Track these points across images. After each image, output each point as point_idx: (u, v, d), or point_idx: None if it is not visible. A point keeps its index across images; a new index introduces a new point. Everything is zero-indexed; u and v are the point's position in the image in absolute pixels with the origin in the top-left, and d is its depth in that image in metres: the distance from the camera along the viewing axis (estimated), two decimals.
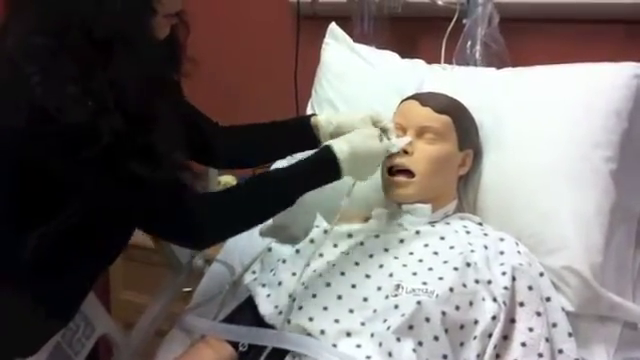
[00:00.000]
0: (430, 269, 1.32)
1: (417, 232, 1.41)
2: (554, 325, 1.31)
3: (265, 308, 1.39)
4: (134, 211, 1.20)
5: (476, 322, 1.26)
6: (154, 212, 1.20)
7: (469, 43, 1.80)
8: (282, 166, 1.42)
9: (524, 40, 1.85)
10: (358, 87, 1.73)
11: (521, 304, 1.30)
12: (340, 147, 1.30)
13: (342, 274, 1.37)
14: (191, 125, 1.41)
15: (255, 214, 1.31)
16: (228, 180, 2.14)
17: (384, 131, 1.42)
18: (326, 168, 1.30)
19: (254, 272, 1.57)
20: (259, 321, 1.38)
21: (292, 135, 1.52)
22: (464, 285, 1.28)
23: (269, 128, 1.54)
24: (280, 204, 1.32)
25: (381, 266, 1.36)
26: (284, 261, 1.46)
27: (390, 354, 1.21)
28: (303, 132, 1.49)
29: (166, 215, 1.20)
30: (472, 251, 1.34)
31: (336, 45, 1.82)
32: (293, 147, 1.57)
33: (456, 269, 1.30)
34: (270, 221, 1.56)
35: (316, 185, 1.32)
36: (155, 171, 1.14)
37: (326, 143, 1.32)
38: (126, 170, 1.12)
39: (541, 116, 1.49)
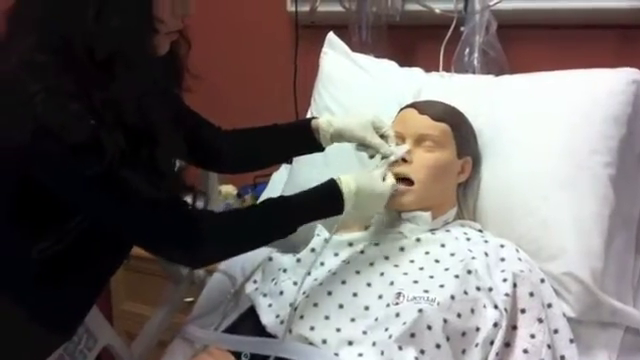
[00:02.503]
0: (431, 277, 1.33)
1: (417, 240, 1.41)
2: (556, 331, 1.31)
3: (267, 318, 1.39)
4: (133, 228, 1.21)
5: (478, 329, 1.26)
6: (152, 229, 1.20)
7: (467, 50, 1.80)
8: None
9: (522, 47, 1.86)
10: (356, 96, 1.73)
11: (522, 311, 1.30)
12: (348, 186, 1.30)
13: (343, 283, 1.37)
14: (193, 131, 1.42)
15: (255, 239, 1.32)
16: (229, 190, 2.14)
17: (384, 137, 1.43)
18: (331, 206, 1.31)
19: (255, 282, 1.57)
20: (261, 331, 1.38)
21: (293, 138, 1.53)
22: (465, 292, 1.28)
23: (271, 131, 1.54)
24: (282, 233, 1.33)
25: (382, 274, 1.36)
26: (285, 270, 1.46)
27: None
28: (304, 135, 1.49)
29: (166, 232, 1.21)
30: (473, 258, 1.34)
31: (334, 54, 1.83)
32: (294, 150, 1.58)
33: (457, 276, 1.30)
34: None
35: (318, 219, 1.36)
36: (157, 189, 1.14)
37: (335, 178, 1.31)
38: (127, 187, 1.12)
39: (540, 122, 1.49)
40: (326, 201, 1.31)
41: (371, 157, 1.44)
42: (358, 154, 1.49)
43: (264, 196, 1.90)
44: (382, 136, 1.43)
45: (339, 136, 1.45)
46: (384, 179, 1.36)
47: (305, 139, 1.49)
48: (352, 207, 1.30)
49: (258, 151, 1.56)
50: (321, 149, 1.49)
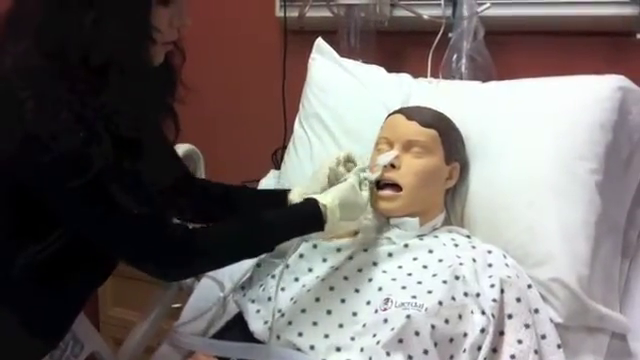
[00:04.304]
0: (419, 283, 1.33)
1: (405, 245, 1.41)
2: (543, 337, 1.31)
3: (255, 324, 1.39)
4: (113, 243, 1.21)
5: (465, 335, 1.26)
6: (132, 243, 1.20)
7: (455, 57, 1.81)
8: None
9: (509, 53, 1.86)
10: (345, 101, 1.74)
11: (510, 316, 1.30)
12: (333, 211, 1.30)
13: (331, 289, 1.37)
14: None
15: (236, 256, 1.32)
16: None
17: (349, 161, 1.45)
18: (312, 227, 1.32)
19: (243, 288, 1.57)
20: (249, 337, 1.38)
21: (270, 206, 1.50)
22: (453, 298, 1.28)
23: (244, 195, 1.56)
24: (261, 251, 1.36)
25: (370, 280, 1.36)
26: (273, 276, 1.46)
27: None
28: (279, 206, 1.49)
29: (143, 247, 1.20)
30: (460, 264, 1.35)
31: (323, 60, 1.83)
32: None
33: (445, 282, 1.30)
34: None
35: (297, 237, 1.36)
36: (139, 204, 1.14)
37: (319, 201, 1.31)
38: (111, 200, 1.12)
39: (527, 129, 1.50)
40: (307, 223, 1.32)
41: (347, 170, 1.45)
42: None
43: None
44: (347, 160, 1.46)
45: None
46: (360, 188, 1.37)
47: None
48: (333, 224, 1.31)
49: (230, 209, 1.54)
50: None
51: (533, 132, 1.49)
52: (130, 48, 1.14)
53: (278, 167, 1.81)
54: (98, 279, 1.38)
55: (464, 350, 1.24)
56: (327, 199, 1.31)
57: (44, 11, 1.13)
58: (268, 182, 1.86)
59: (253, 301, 1.45)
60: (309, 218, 1.31)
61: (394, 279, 1.35)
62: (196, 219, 1.50)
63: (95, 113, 1.10)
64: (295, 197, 1.47)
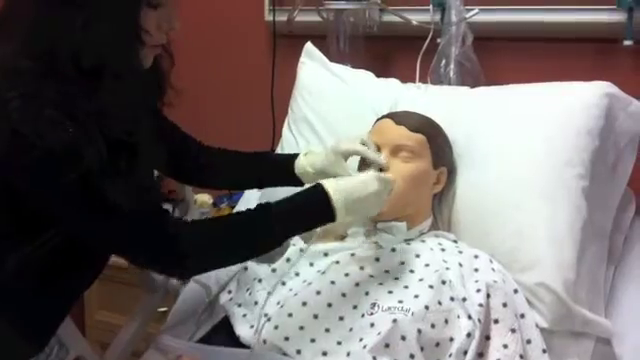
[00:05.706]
0: (406, 287, 1.33)
1: (393, 250, 1.41)
2: (528, 342, 1.32)
3: (241, 328, 1.39)
4: (116, 241, 1.19)
5: (451, 339, 1.26)
6: (137, 242, 1.19)
7: (443, 62, 1.82)
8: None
9: (497, 59, 1.87)
10: (334, 106, 1.74)
11: (496, 321, 1.30)
12: (337, 197, 1.24)
13: (318, 293, 1.36)
14: (175, 144, 1.43)
15: (239, 251, 1.26)
16: (204, 199, 2.13)
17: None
18: (323, 217, 1.26)
19: (230, 292, 1.57)
20: (235, 341, 1.38)
21: (279, 173, 1.52)
22: (439, 303, 1.29)
23: (260, 159, 1.56)
24: (271, 245, 1.29)
25: (357, 285, 1.36)
26: (260, 280, 1.46)
27: None
28: (288, 172, 1.49)
29: (149, 244, 1.19)
30: (447, 269, 1.35)
31: (312, 64, 1.84)
32: (278, 183, 1.56)
33: (431, 287, 1.30)
34: None
35: (309, 228, 1.30)
36: (135, 200, 1.13)
37: (324, 186, 1.26)
38: (106, 199, 1.11)
39: (514, 134, 1.51)
40: (318, 214, 1.26)
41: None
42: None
43: (241, 202, 1.90)
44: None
45: (322, 172, 1.43)
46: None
47: (289, 176, 1.49)
48: (346, 213, 1.25)
49: (245, 175, 1.56)
50: (301, 185, 1.48)
51: (521, 137, 1.50)
52: (119, 50, 1.14)
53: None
54: (86, 281, 1.37)
55: (450, 354, 1.25)
56: (339, 194, 1.25)
57: (34, 12, 1.13)
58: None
59: (240, 305, 1.44)
60: (319, 215, 1.26)
61: (381, 283, 1.35)
62: (212, 185, 1.61)
63: (85, 114, 1.10)
64: (305, 166, 1.47)
